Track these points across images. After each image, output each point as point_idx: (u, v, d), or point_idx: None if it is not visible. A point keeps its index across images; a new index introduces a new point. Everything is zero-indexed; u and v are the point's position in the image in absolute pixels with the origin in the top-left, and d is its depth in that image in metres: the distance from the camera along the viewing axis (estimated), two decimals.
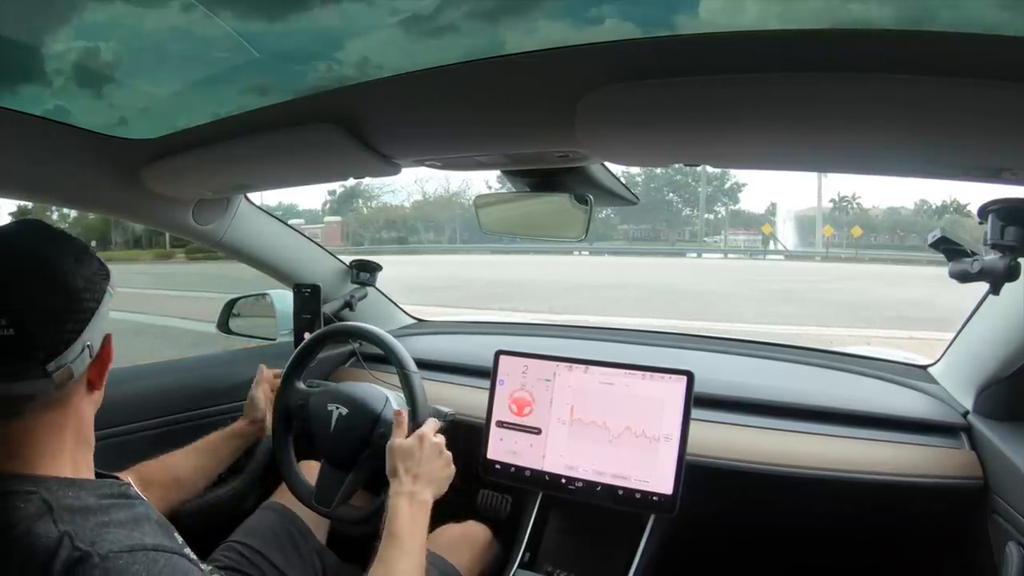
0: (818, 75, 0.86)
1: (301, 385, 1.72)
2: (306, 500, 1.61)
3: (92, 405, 0.94)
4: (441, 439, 1.45)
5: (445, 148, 1.41)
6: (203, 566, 0.90)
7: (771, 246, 38.83)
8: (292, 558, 1.58)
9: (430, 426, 1.47)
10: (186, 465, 1.53)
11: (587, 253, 34.62)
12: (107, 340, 0.91)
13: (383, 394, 1.67)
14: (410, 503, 1.30)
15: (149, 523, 0.88)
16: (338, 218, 40.75)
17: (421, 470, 1.37)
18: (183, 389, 1.97)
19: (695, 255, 37.90)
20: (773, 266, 30.87)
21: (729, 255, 37.67)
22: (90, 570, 0.76)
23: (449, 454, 1.45)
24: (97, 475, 0.96)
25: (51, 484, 0.84)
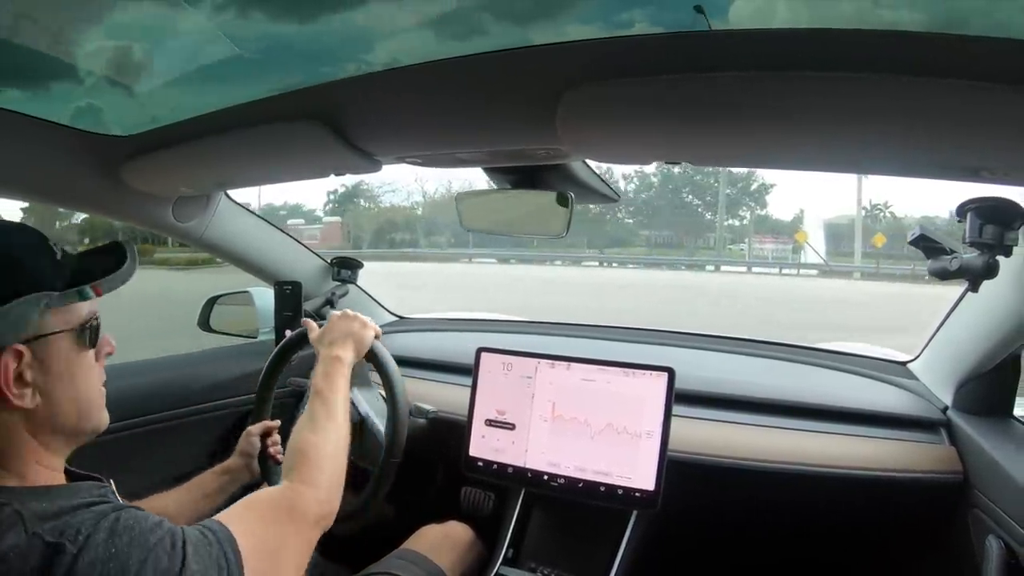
0: (797, 73, 0.86)
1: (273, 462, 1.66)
2: None
3: (28, 421, 0.87)
4: (349, 310, 1.55)
5: (426, 145, 1.40)
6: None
7: (802, 257, 31.95)
8: None
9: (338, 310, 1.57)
10: (173, 502, 1.49)
11: (596, 264, 31.91)
12: (5, 352, 0.83)
13: None
14: (325, 362, 1.38)
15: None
16: (337, 218, 39.45)
17: (334, 334, 1.45)
18: (163, 388, 1.95)
19: (713, 268, 31.82)
20: (814, 287, 23.00)
21: (754, 268, 30.85)
22: (66, 558, 0.76)
23: (361, 316, 1.53)
24: (77, 476, 0.95)
25: (21, 494, 0.83)
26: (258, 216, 2.13)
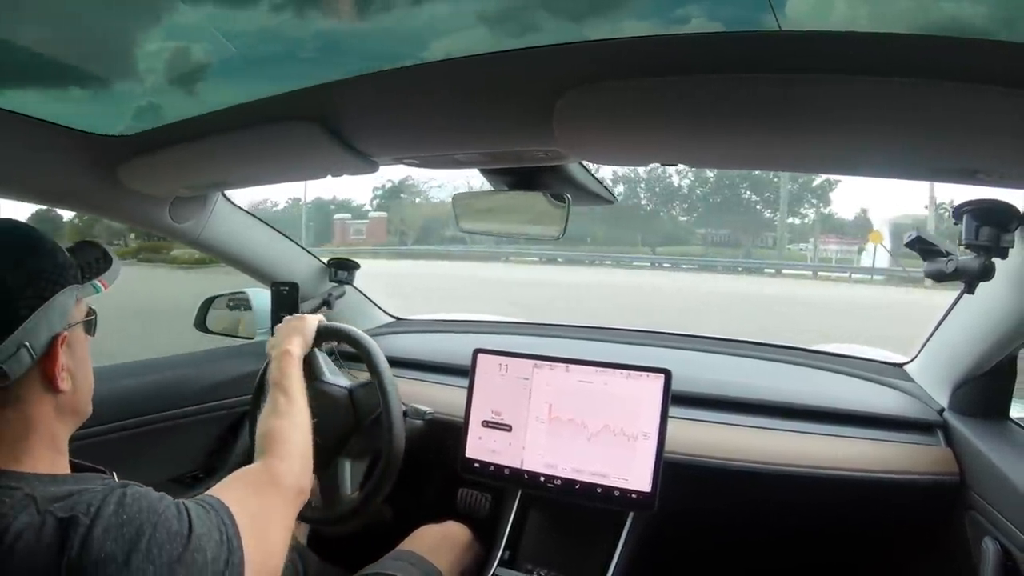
0: (793, 76, 0.86)
1: None
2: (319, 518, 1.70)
3: (57, 405, 0.92)
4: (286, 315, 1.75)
5: (423, 146, 1.40)
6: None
7: (863, 260, 27.50)
8: None
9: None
10: None
11: (649, 265, 29.14)
12: (60, 339, 0.89)
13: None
14: (276, 359, 1.51)
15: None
16: (383, 214, 38.46)
17: (279, 336, 1.61)
18: (160, 388, 1.95)
19: (773, 272, 27.56)
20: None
21: (819, 273, 26.25)
22: (80, 529, 0.79)
23: (299, 314, 1.73)
24: (80, 467, 0.96)
25: (32, 480, 0.85)
26: (255, 217, 2.12)
